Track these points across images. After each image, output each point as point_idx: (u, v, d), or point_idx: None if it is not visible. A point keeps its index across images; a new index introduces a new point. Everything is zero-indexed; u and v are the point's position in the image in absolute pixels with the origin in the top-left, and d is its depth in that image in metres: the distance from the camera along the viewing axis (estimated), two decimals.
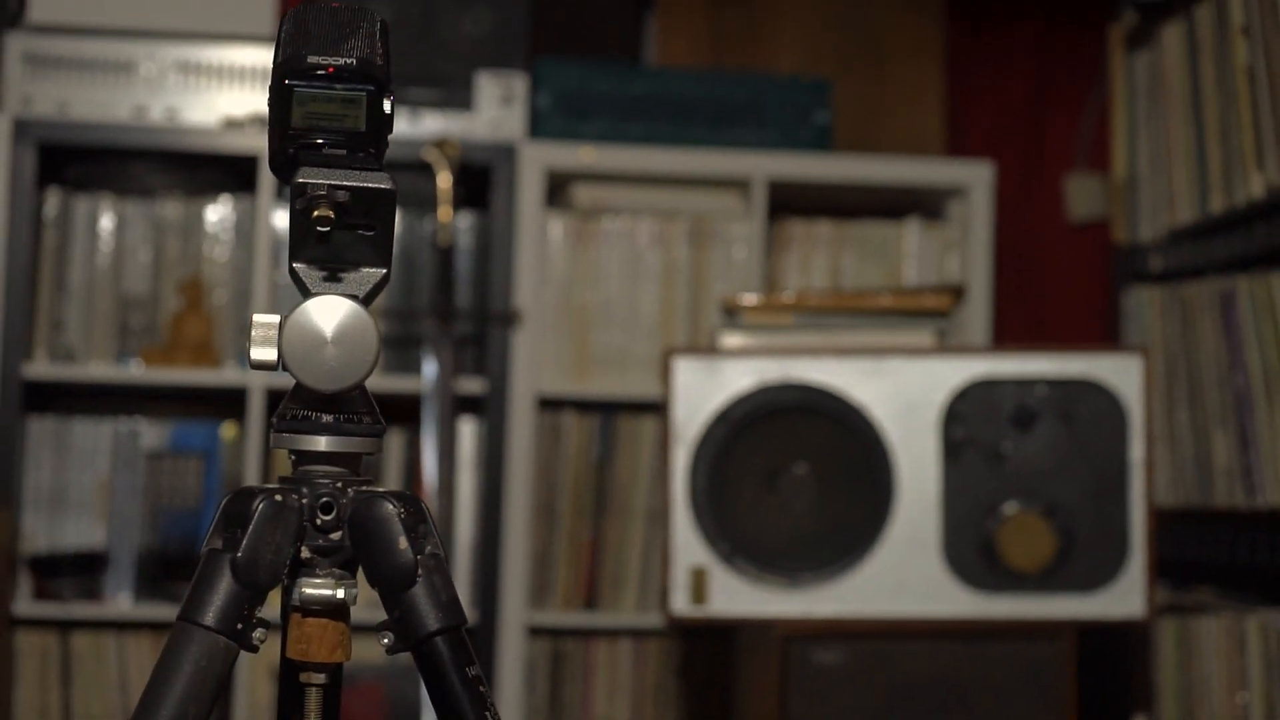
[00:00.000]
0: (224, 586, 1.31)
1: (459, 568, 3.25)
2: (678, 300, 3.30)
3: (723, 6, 3.63)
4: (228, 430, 3.28)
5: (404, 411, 3.30)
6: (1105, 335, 3.66)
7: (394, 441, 3.30)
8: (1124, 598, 2.64)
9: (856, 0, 3.67)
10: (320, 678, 1.37)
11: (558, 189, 3.36)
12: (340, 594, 1.34)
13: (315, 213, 1.31)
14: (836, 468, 2.67)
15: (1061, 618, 2.63)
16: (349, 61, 1.32)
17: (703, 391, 2.66)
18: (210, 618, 1.30)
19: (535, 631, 3.26)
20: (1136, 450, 2.64)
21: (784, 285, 3.35)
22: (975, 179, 3.35)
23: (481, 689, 1.35)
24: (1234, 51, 2.90)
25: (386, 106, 1.33)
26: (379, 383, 3.20)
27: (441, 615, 1.36)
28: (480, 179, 3.28)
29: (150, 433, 3.27)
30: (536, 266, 3.24)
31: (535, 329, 3.23)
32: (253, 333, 1.33)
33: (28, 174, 3.14)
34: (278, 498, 1.33)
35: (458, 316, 3.25)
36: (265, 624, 1.33)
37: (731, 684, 3.14)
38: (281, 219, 3.26)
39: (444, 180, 3.21)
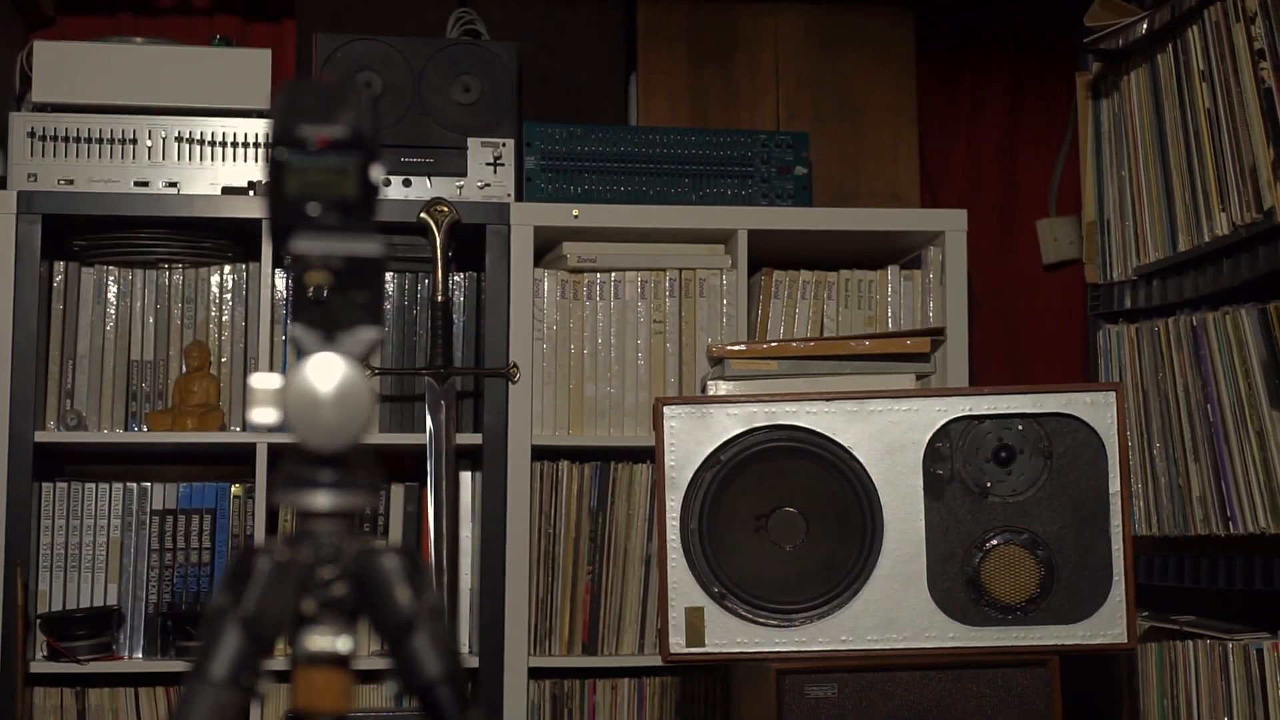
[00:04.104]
0: (231, 642, 1.36)
1: (463, 614, 3.32)
2: (666, 351, 3.38)
3: (703, 68, 3.72)
4: (235, 488, 3.35)
5: (406, 466, 3.38)
6: (1081, 372, 3.73)
7: (397, 495, 3.37)
8: (1107, 625, 2.68)
9: (831, 59, 3.76)
10: None
11: (548, 247, 3.45)
12: (341, 646, 1.38)
13: (310, 279, 1.37)
14: (824, 508, 2.73)
15: (1047, 646, 2.67)
16: (339, 132, 1.37)
17: (693, 438, 2.73)
18: (219, 673, 1.35)
19: (538, 674, 3.32)
20: (1114, 482, 2.70)
21: (769, 333, 3.43)
22: (950, 227, 3.42)
23: None
24: (1196, 96, 2.98)
25: (376, 174, 1.38)
26: (381, 439, 3.29)
27: (441, 663, 1.40)
28: (473, 240, 3.35)
29: (160, 493, 3.34)
30: (529, 322, 3.32)
31: (530, 382, 3.32)
32: (253, 394, 1.37)
33: (34, 246, 3.22)
34: (280, 555, 1.37)
35: (455, 373, 3.34)
36: (272, 674, 1.40)
37: (730, 719, 3.21)
38: (281, 283, 3.35)
39: (439, 242, 3.30)
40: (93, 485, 3.32)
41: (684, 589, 2.70)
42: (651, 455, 2.90)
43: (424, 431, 3.29)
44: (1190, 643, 2.93)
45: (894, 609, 2.69)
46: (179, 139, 3.32)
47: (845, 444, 2.72)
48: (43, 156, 3.28)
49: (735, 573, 2.71)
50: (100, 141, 3.30)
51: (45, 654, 3.24)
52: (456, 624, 3.31)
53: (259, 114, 3.35)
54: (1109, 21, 3.19)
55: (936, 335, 3.32)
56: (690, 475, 2.72)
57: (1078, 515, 2.70)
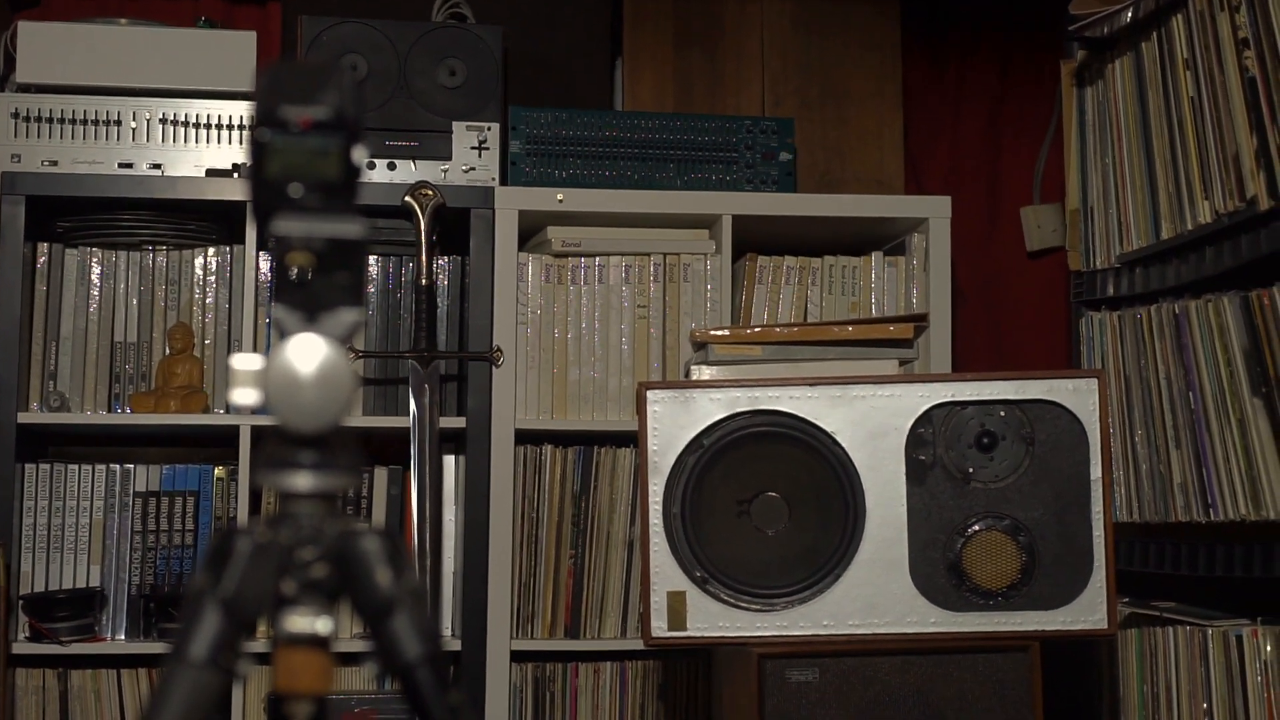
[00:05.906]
0: (211, 623, 1.35)
1: (445, 597, 3.33)
2: (650, 335, 3.39)
3: (688, 53, 3.73)
4: (219, 470, 3.35)
5: (390, 449, 3.38)
6: (1064, 359, 3.73)
7: (380, 478, 3.37)
8: (1088, 611, 2.70)
9: (817, 44, 3.77)
10: (306, 707, 1.39)
11: (532, 231, 3.45)
12: (321, 627, 1.37)
13: (292, 260, 1.37)
14: (807, 493, 2.74)
15: (1027, 632, 2.68)
16: (322, 113, 1.36)
17: (676, 422, 2.73)
18: (198, 653, 1.34)
19: (520, 657, 3.32)
20: (1095, 469, 2.71)
21: (752, 319, 3.43)
22: (934, 213, 3.43)
23: (463, 715, 1.40)
24: (1180, 84, 2.99)
25: (359, 156, 1.37)
26: (365, 422, 3.30)
27: (421, 644, 1.40)
28: (458, 223, 3.35)
29: (143, 474, 3.34)
30: (513, 306, 3.33)
31: (513, 366, 3.32)
32: (234, 375, 1.37)
33: (18, 228, 3.22)
34: (261, 536, 1.36)
35: (439, 356, 3.34)
36: (252, 655, 1.40)
37: (711, 704, 3.21)
38: (265, 265, 3.35)
39: (423, 225, 3.30)
40: (75, 467, 3.32)
41: (666, 573, 2.71)
42: (634, 440, 2.90)
43: (408, 415, 3.30)
44: (1170, 629, 2.95)
45: (876, 594, 2.70)
46: (163, 121, 3.32)
47: (828, 429, 2.73)
48: (26, 137, 3.27)
49: (717, 557, 2.72)
50: (84, 123, 3.30)
51: (27, 635, 3.24)
52: (439, 607, 3.31)
53: (244, 96, 3.34)
54: (1094, 9, 3.20)
55: (920, 321, 3.33)
56: (673, 460, 2.72)
57: (1059, 501, 2.71)
